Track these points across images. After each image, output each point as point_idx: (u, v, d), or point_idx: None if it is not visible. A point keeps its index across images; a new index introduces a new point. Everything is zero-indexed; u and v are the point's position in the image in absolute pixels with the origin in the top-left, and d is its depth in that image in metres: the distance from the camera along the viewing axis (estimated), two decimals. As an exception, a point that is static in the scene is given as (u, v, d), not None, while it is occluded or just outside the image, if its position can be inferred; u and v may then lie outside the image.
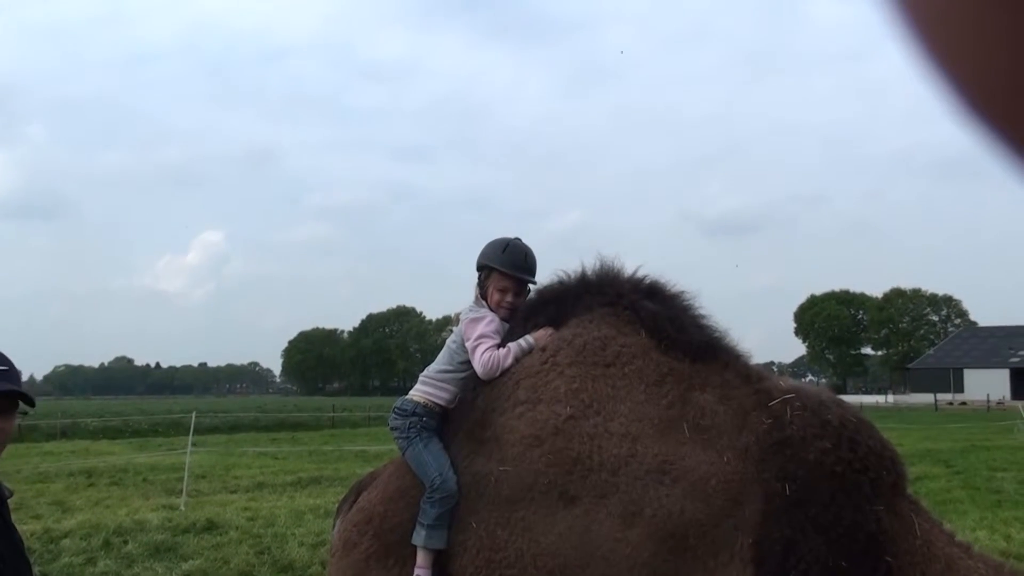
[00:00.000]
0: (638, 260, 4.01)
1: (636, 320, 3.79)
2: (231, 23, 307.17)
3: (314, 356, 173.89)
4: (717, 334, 3.85)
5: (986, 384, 78.67)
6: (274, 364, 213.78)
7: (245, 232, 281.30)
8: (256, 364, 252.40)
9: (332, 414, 49.34)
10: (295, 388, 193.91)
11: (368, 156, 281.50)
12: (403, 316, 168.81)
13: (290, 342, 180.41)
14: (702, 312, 3.89)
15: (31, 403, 3.19)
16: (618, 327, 3.78)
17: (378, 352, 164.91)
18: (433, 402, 3.92)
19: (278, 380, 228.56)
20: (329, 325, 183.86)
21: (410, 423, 3.86)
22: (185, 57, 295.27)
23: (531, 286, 4.14)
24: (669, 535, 3.26)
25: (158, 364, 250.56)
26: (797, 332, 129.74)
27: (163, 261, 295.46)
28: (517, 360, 3.81)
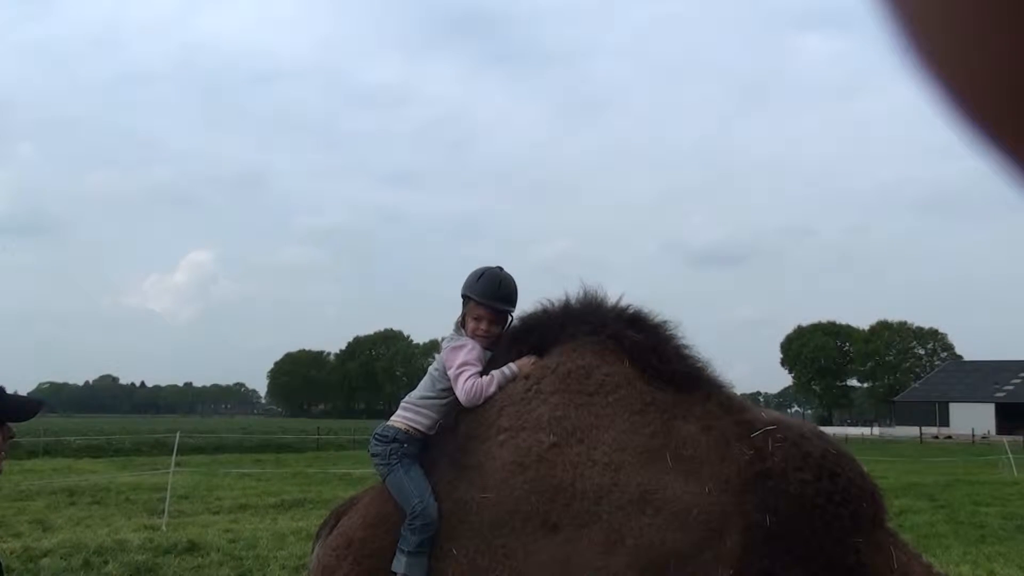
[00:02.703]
0: (624, 289, 4.03)
1: (620, 349, 3.80)
2: (224, 46, 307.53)
3: (300, 378, 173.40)
4: (700, 364, 3.86)
5: (971, 418, 78.86)
6: (260, 385, 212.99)
7: (233, 253, 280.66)
8: (242, 385, 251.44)
9: (317, 436, 49.09)
10: (280, 410, 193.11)
11: (358, 180, 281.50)
12: (390, 339, 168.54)
13: (276, 363, 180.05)
14: (685, 342, 3.91)
15: None
16: (602, 356, 3.79)
17: (364, 375, 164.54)
18: (414, 428, 3.92)
19: (263, 401, 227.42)
20: (316, 347, 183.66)
21: (391, 449, 3.85)
22: (177, 78, 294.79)
23: (511, 315, 4.15)
24: (650, 564, 3.26)
25: (143, 383, 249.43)
26: (783, 363, 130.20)
27: (151, 280, 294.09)
28: (500, 388, 3.81)
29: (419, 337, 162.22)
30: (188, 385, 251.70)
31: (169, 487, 16.15)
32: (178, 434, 21.16)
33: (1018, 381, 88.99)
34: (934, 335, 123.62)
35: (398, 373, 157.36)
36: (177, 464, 18.62)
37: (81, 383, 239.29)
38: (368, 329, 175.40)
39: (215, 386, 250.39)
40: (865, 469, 3.58)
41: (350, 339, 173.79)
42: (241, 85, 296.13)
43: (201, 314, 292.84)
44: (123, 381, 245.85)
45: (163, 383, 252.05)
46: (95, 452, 37.43)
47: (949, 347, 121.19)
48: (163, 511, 15.18)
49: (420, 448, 3.92)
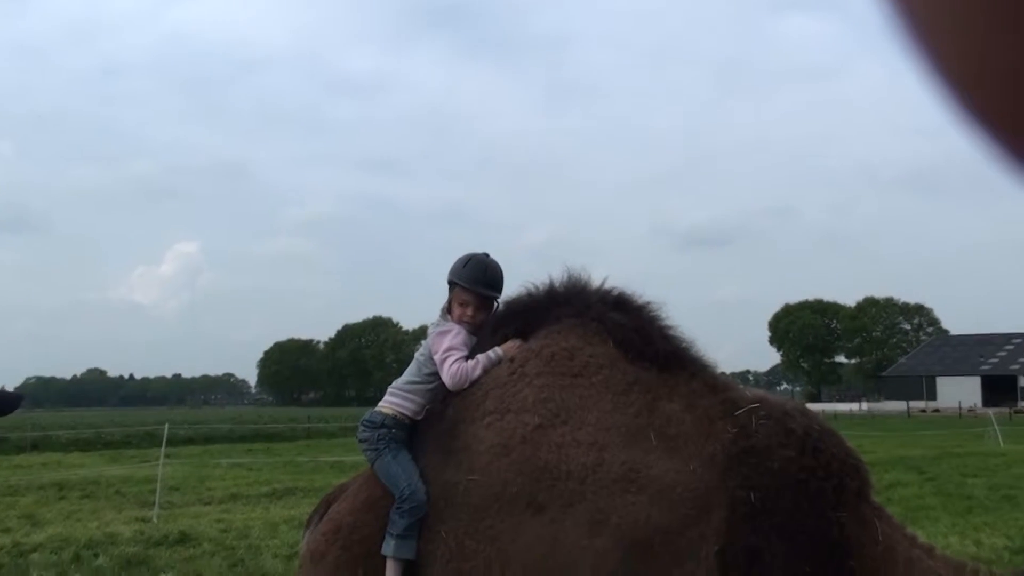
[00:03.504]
0: (611, 273, 4.05)
1: (603, 331, 3.82)
2: (204, 36, 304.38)
3: (289, 367, 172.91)
4: (684, 344, 3.89)
5: (958, 391, 79.46)
6: (249, 375, 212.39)
7: (220, 244, 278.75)
8: (231, 375, 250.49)
9: (307, 425, 49.07)
10: (270, 399, 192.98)
11: (343, 168, 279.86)
12: (379, 326, 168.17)
13: (265, 353, 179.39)
14: (669, 323, 3.94)
15: None
16: (586, 338, 3.82)
17: (354, 363, 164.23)
18: (402, 413, 3.94)
19: (253, 391, 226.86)
20: (305, 336, 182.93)
21: (379, 435, 3.88)
22: (158, 71, 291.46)
23: (497, 301, 4.17)
24: (635, 543, 3.29)
25: (132, 375, 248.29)
26: (772, 341, 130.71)
27: (137, 273, 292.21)
28: (485, 371, 3.85)
29: (408, 323, 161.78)
30: (177, 377, 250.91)
31: (159, 479, 16.13)
32: (167, 425, 21.11)
33: (1003, 354, 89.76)
34: (920, 310, 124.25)
35: (388, 360, 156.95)
36: (167, 456, 18.60)
37: (69, 377, 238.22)
38: (357, 317, 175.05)
39: (204, 377, 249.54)
40: (850, 444, 3.62)
41: (339, 327, 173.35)
42: (222, 75, 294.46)
43: (189, 306, 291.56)
44: (111, 374, 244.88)
45: (151, 375, 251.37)
46: (84, 446, 37.27)
47: (935, 322, 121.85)
48: (154, 503, 15.17)
49: (408, 433, 3.95)
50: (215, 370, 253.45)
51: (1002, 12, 0.39)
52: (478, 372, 3.85)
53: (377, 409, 4.00)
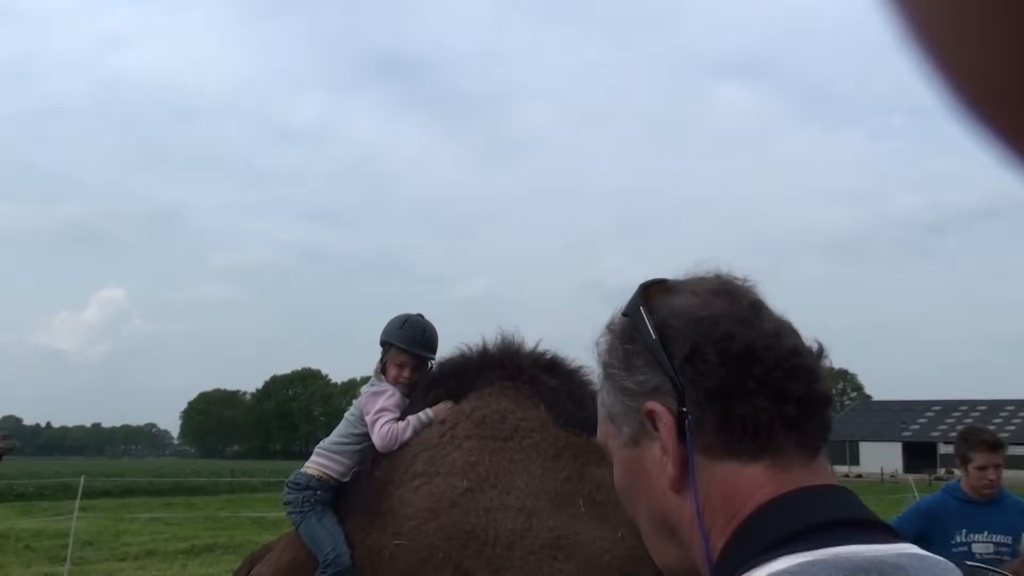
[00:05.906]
0: (542, 329, 4.07)
1: (535, 394, 3.83)
2: (142, 81, 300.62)
3: (214, 418, 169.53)
4: (615, 409, 3.91)
5: (880, 457, 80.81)
6: (172, 426, 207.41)
7: (148, 290, 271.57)
8: (153, 425, 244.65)
9: (230, 478, 47.98)
10: (193, 451, 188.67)
11: (276, 218, 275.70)
12: (308, 378, 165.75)
13: (190, 403, 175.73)
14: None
15: None
16: (517, 401, 3.82)
17: (281, 415, 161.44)
18: (328, 475, 3.89)
19: (176, 442, 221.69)
20: (231, 386, 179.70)
21: (304, 497, 3.82)
22: (93, 114, 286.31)
23: (432, 362, 4.17)
24: (562, 611, 3.27)
25: (49, 424, 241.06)
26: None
27: (59, 318, 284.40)
28: (416, 433, 3.82)
29: (338, 376, 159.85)
30: (96, 426, 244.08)
31: (72, 532, 15.61)
32: (83, 477, 20.46)
33: (924, 421, 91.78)
34: (844, 375, 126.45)
35: (316, 413, 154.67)
36: (82, 508, 18.03)
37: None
38: (285, 368, 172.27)
39: (125, 427, 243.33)
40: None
41: (267, 378, 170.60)
42: (159, 121, 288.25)
43: (112, 352, 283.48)
44: (27, 422, 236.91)
45: (70, 424, 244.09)
46: (-6, 497, 35.94)
47: (859, 387, 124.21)
48: (65, 559, 14.66)
49: (334, 495, 3.89)
50: (136, 420, 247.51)
51: (1002, 11, 0.39)
52: (408, 434, 3.82)
53: (303, 470, 3.94)
